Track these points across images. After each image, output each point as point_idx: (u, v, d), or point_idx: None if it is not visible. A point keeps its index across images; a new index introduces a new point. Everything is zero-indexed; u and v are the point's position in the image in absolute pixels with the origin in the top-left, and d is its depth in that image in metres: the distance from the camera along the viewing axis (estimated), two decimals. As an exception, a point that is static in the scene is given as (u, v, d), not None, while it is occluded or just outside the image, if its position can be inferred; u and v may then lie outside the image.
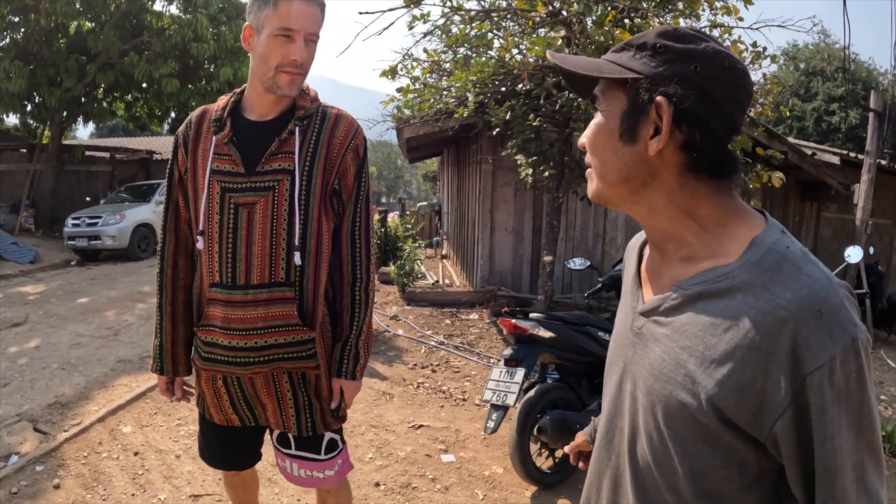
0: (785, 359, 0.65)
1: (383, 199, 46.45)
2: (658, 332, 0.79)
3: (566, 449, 1.23)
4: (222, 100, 1.59)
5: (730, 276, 0.72)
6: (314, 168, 1.52)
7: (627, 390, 0.85)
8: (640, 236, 0.98)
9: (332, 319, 1.64)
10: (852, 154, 8.30)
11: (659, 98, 0.73)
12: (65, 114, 12.79)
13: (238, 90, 1.60)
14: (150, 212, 11.01)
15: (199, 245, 1.53)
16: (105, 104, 13.97)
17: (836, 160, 7.63)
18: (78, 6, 11.45)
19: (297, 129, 1.50)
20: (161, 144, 18.37)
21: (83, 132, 32.72)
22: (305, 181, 1.50)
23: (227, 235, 1.49)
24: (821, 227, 8.66)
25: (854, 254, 4.81)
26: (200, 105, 1.73)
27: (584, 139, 0.84)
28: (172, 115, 14.65)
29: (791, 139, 7.86)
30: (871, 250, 8.08)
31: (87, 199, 13.44)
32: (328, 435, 1.66)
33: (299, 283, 1.52)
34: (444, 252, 12.21)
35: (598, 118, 0.81)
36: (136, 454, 3.15)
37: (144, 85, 12.95)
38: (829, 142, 17.92)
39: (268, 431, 1.76)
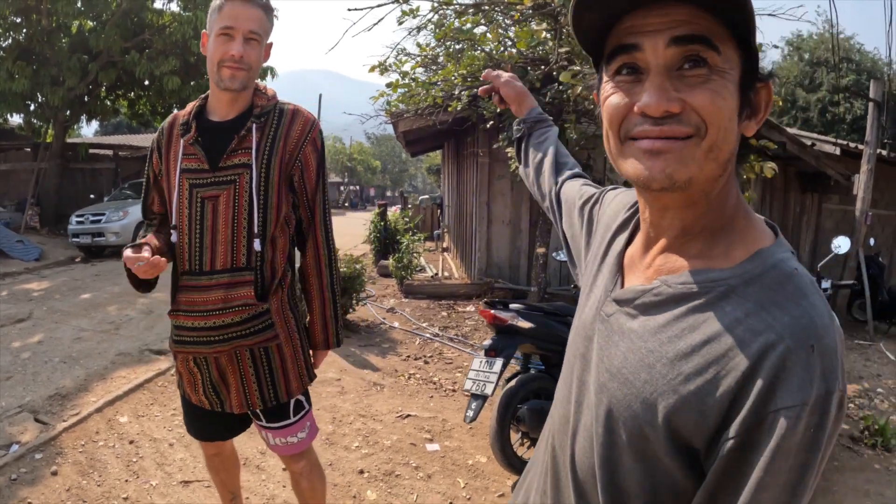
0: (759, 386, 0.56)
1: (388, 193, 46.40)
2: (627, 325, 0.69)
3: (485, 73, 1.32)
4: (189, 106, 1.71)
5: (723, 283, 0.62)
6: (272, 161, 1.63)
7: (584, 381, 0.75)
8: (628, 198, 0.85)
9: (296, 296, 1.78)
10: (852, 144, 8.24)
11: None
12: (68, 112, 12.88)
13: (203, 96, 1.73)
14: (154, 208, 11.10)
15: (174, 238, 1.66)
16: (108, 102, 14.07)
17: (836, 150, 7.60)
18: (79, 6, 11.52)
19: (254, 126, 1.62)
20: (165, 141, 18.45)
21: (87, 130, 33.01)
22: (264, 174, 1.62)
23: (195, 227, 1.62)
24: (822, 218, 8.63)
25: (843, 244, 4.72)
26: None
27: (698, 100, 0.61)
28: (175, 112, 14.73)
29: (796, 130, 7.81)
30: (872, 241, 8.03)
31: (91, 196, 13.57)
32: (294, 398, 1.78)
33: (259, 266, 1.64)
34: (444, 245, 12.28)
35: (722, 78, 0.61)
36: (131, 443, 3.24)
37: (146, 83, 13.02)
38: (833, 132, 17.77)
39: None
